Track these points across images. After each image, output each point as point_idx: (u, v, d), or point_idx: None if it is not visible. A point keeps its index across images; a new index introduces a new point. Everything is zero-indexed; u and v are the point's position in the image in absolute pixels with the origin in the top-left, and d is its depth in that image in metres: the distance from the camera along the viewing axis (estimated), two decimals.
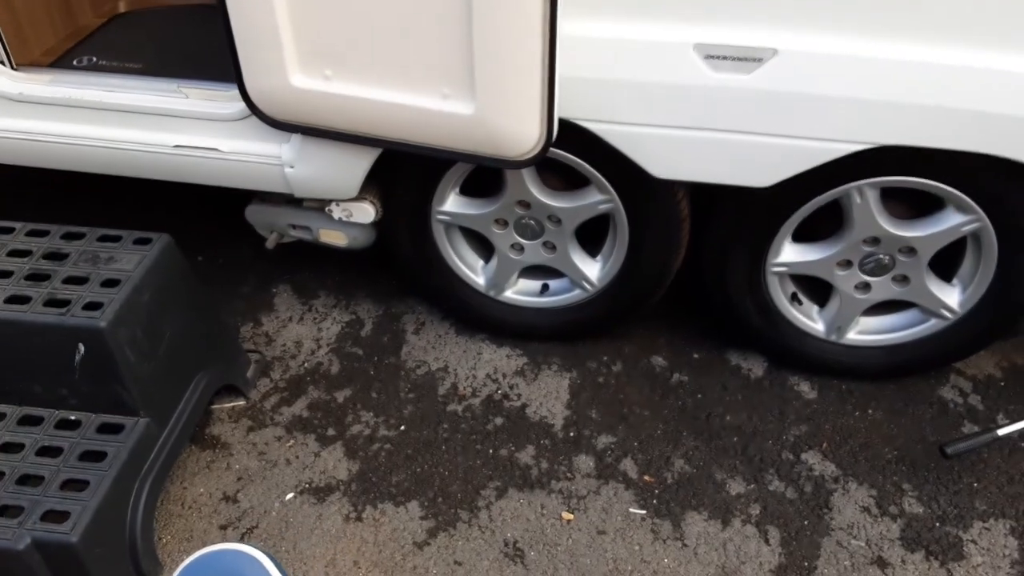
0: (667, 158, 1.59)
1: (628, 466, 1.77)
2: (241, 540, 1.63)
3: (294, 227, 1.97)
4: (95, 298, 1.51)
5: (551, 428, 1.85)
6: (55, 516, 1.37)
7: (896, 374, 1.94)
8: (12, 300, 1.52)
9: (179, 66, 1.92)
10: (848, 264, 1.77)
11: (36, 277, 1.57)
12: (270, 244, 2.03)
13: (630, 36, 1.49)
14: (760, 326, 1.91)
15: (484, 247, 2.00)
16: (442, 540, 1.62)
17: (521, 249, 1.92)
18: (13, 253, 1.63)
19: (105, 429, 1.53)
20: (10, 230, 1.68)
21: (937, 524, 1.66)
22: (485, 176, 1.85)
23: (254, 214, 1.98)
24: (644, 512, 1.68)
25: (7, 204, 2.48)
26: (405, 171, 1.84)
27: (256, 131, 1.72)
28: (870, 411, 1.88)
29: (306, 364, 2.01)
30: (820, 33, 1.44)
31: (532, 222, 1.85)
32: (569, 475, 1.75)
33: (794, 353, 1.95)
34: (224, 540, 1.64)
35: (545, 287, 1.99)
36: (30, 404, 1.57)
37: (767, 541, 1.63)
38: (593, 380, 1.96)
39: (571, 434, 1.83)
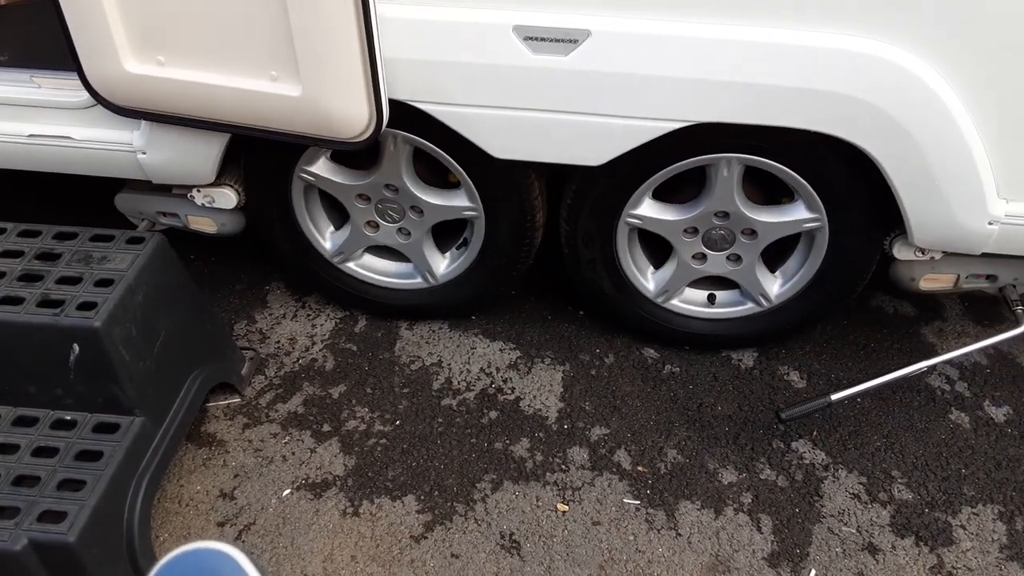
0: (501, 138, 1.63)
1: (622, 457, 1.78)
2: (238, 537, 1.64)
3: (163, 214, 1.98)
4: (89, 298, 1.51)
5: (545, 421, 1.86)
6: (52, 516, 1.38)
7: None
8: (5, 301, 1.52)
9: (38, 57, 1.91)
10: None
11: (29, 278, 1.57)
12: (141, 232, 2.05)
13: (453, 18, 1.51)
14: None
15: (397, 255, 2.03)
16: (439, 533, 1.64)
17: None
18: (5, 254, 1.62)
19: (101, 428, 1.54)
20: (1, 231, 1.68)
21: (926, 510, 1.68)
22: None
23: (123, 202, 1.99)
24: (638, 502, 1.70)
25: None
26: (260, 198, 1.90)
27: (106, 118, 1.73)
28: (859, 400, 1.90)
29: (300, 361, 2.01)
30: (630, 14, 1.47)
31: (392, 206, 1.88)
32: (563, 467, 1.76)
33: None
34: (221, 537, 1.64)
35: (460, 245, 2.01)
36: (25, 405, 1.57)
37: (759, 529, 1.65)
38: (586, 372, 1.98)
39: (565, 426, 1.85)
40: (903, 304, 2.17)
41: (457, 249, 1.99)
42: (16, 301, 1.52)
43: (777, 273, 1.89)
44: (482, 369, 1.99)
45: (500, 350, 2.04)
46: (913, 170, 1.54)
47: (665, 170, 1.69)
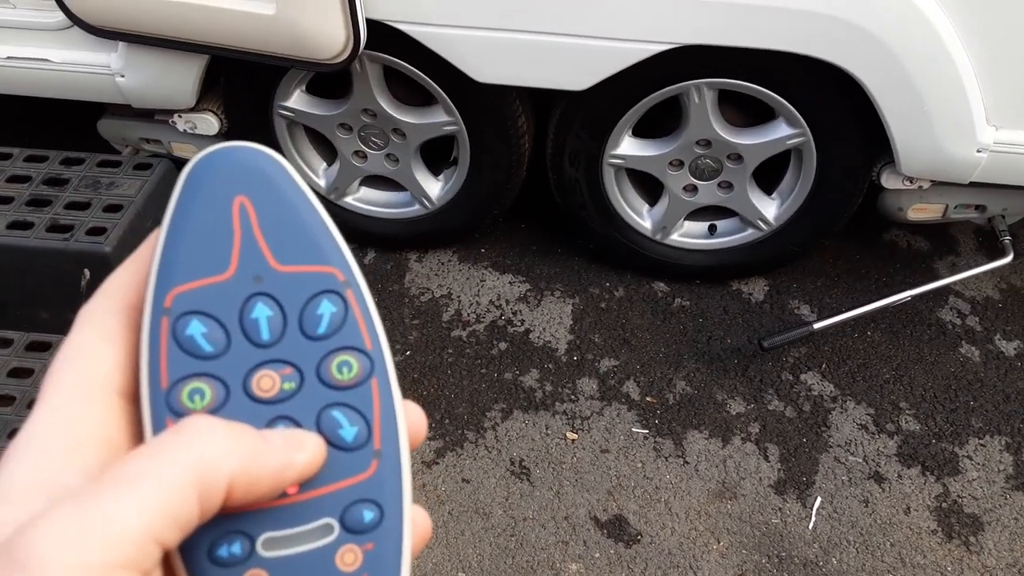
0: (485, 61, 1.59)
1: (631, 388, 1.79)
2: None
3: (146, 141, 1.95)
4: (98, 223, 1.50)
5: (555, 352, 1.87)
6: None
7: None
8: (14, 226, 1.51)
9: None
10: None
11: (37, 203, 1.56)
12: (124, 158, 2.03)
13: None
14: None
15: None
16: (450, 459, 1.66)
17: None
18: (12, 179, 1.61)
19: None
20: (7, 156, 1.66)
21: (933, 441, 1.70)
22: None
23: (106, 127, 1.96)
24: (646, 431, 1.71)
25: None
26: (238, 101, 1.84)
27: (84, 40, 1.69)
28: (869, 333, 1.90)
29: None
30: None
31: (376, 132, 1.85)
32: (573, 397, 1.77)
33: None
34: None
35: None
36: (37, 330, 1.57)
37: (766, 457, 1.67)
38: (596, 305, 1.98)
39: (574, 358, 1.86)
40: (916, 239, 2.15)
41: (448, 169, 1.96)
42: (26, 226, 1.51)
43: (774, 195, 1.87)
44: (491, 301, 1.99)
45: (510, 283, 2.03)
46: (900, 94, 1.51)
47: (644, 100, 1.67)
